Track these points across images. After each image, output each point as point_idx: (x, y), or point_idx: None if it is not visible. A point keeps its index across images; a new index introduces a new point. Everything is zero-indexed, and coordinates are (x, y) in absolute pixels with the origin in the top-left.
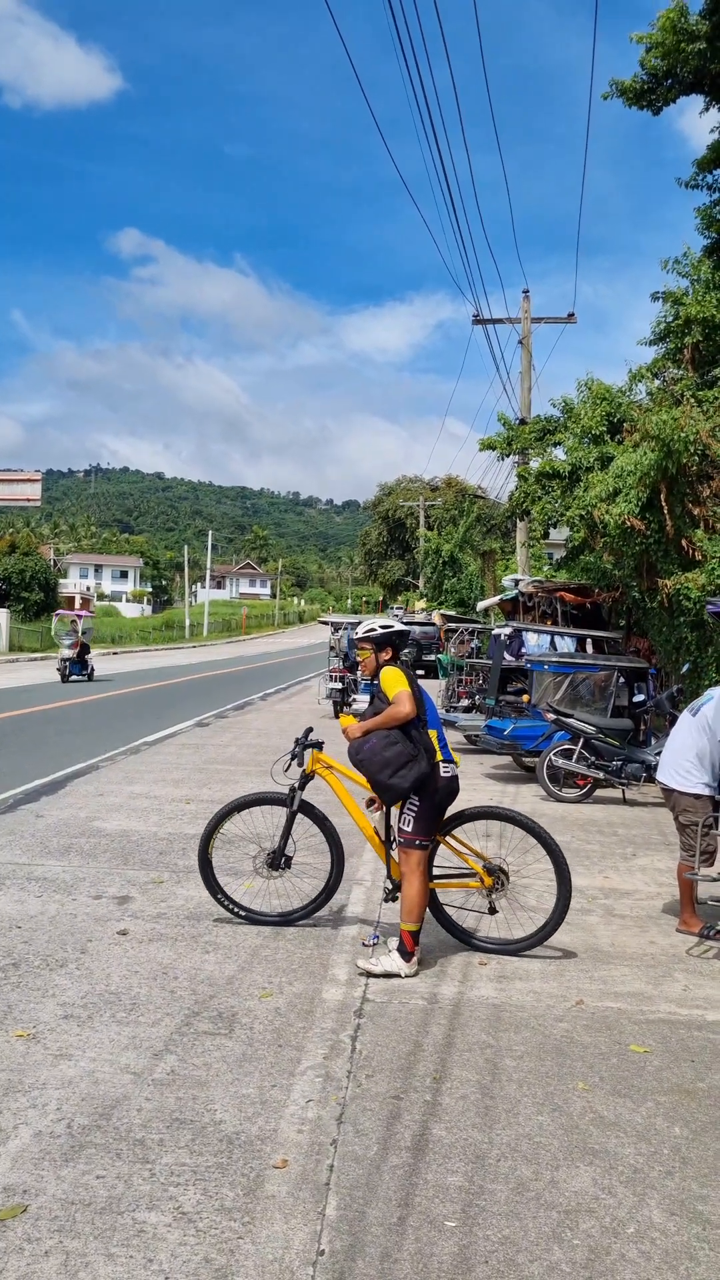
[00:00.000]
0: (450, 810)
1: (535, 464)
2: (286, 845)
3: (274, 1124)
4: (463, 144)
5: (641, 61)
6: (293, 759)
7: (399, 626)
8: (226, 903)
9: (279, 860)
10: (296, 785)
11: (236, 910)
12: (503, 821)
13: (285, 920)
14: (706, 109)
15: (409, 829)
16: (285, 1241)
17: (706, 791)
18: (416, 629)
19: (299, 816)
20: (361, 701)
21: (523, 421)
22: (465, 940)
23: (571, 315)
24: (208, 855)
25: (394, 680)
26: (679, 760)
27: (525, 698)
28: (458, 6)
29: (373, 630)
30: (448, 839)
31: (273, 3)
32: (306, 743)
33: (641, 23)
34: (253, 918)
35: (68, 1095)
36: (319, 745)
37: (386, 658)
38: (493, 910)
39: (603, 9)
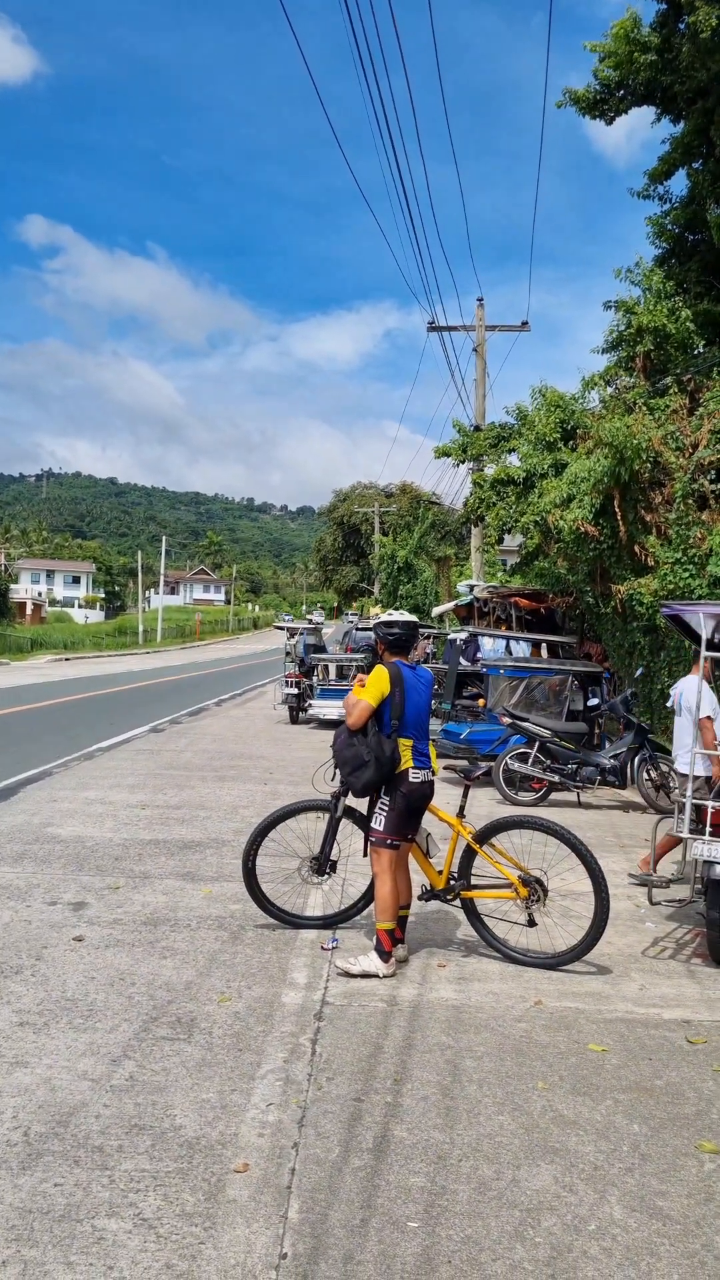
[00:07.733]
0: (485, 820)
1: (490, 470)
2: (331, 850)
3: (234, 1128)
4: (419, 155)
5: (595, 71)
6: (336, 767)
7: (400, 621)
8: (272, 909)
9: (324, 866)
10: (340, 791)
11: (283, 916)
12: (539, 832)
13: (325, 923)
14: (658, 120)
15: (380, 828)
16: (247, 1245)
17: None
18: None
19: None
20: (317, 707)
21: (478, 428)
22: (502, 952)
23: (525, 324)
24: (252, 865)
25: (370, 682)
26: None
27: (481, 702)
28: (414, 20)
29: (386, 625)
30: (484, 848)
31: (228, 14)
32: None
33: (592, 36)
34: (296, 922)
35: (24, 1103)
36: None
37: (384, 654)
38: (531, 923)
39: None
